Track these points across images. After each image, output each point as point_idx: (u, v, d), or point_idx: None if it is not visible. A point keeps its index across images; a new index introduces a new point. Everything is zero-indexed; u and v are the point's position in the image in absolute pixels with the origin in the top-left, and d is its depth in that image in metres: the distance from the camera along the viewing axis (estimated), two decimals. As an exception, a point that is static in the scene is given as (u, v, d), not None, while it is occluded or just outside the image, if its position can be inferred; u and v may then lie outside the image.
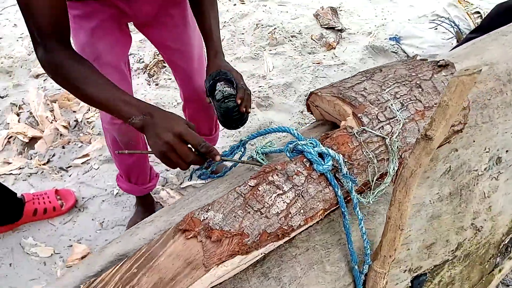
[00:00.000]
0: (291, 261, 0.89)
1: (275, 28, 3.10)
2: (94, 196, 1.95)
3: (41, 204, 1.83)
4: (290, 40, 3.01)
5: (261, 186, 0.79)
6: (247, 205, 0.77)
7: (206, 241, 0.74)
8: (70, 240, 1.77)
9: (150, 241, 0.78)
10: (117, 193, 1.94)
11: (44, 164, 2.13)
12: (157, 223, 0.87)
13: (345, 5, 3.41)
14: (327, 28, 3.13)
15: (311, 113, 1.18)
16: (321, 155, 0.84)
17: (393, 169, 0.93)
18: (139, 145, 1.53)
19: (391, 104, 0.97)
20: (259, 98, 2.47)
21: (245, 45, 2.99)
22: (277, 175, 0.81)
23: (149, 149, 0.93)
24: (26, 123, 2.31)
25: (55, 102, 2.43)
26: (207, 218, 0.75)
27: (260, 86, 2.58)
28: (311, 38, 3.03)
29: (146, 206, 1.78)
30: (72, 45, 0.98)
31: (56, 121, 2.33)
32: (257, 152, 0.99)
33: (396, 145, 0.93)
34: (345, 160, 0.87)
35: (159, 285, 0.70)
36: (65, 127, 2.31)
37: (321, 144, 0.87)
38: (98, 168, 2.09)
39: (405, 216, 0.86)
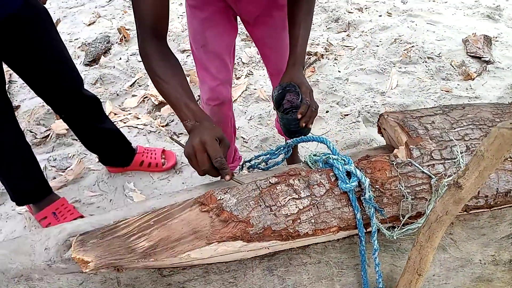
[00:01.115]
0: (300, 267, 0.91)
1: (412, 46, 2.95)
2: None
3: (148, 158, 2.13)
4: (425, 61, 2.83)
5: (279, 186, 0.83)
6: (260, 199, 0.82)
7: (215, 219, 0.82)
8: (160, 194, 2.03)
9: (177, 204, 0.89)
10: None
11: (163, 126, 2.46)
12: (193, 193, 0.98)
13: (504, 37, 3.03)
14: (472, 57, 2.84)
15: (382, 136, 1.15)
16: (350, 174, 0.83)
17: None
18: (227, 127, 1.67)
19: (455, 145, 0.90)
20: (368, 113, 2.40)
21: (375, 58, 2.91)
22: (298, 180, 0.84)
23: None
24: (160, 89, 2.68)
25: (188, 76, 2.75)
26: (222, 199, 0.83)
27: (374, 102, 2.50)
28: (450, 64, 2.80)
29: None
30: (182, 25, 1.11)
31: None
32: (309, 157, 1.02)
33: (444, 188, 0.86)
34: (377, 187, 0.84)
35: (165, 241, 0.80)
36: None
37: (356, 164, 0.86)
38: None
39: (425, 261, 0.81)
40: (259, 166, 1.06)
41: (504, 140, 0.62)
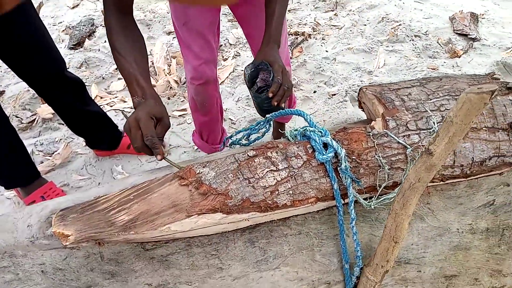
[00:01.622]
0: (281, 239, 0.93)
1: (400, 24, 2.94)
2: (178, 146, 2.19)
3: (136, 140, 2.13)
4: (412, 40, 2.83)
5: (257, 158, 0.84)
6: (238, 172, 0.83)
7: (194, 192, 0.83)
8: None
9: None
10: (196, 148, 2.15)
11: (150, 109, 2.45)
12: (174, 169, 0.99)
13: (491, 14, 3.04)
14: (459, 35, 2.85)
15: (363, 110, 1.16)
16: (326, 146, 0.84)
17: (409, 181, 0.88)
18: (212, 107, 1.67)
19: (430, 116, 0.91)
20: (355, 92, 2.41)
21: (363, 37, 2.91)
22: (276, 152, 0.85)
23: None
24: (147, 72, 2.66)
25: (174, 58, 2.73)
26: (201, 173, 0.84)
27: (361, 81, 2.51)
28: (437, 42, 2.80)
29: None
30: (168, 7, 1.10)
31: (170, 74, 2.64)
32: (289, 132, 1.03)
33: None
34: (353, 157, 0.86)
35: (145, 214, 0.82)
36: (176, 81, 2.60)
37: (333, 136, 0.87)
38: (190, 123, 2.32)
39: (400, 228, 0.83)
40: (240, 142, 1.06)
41: (472, 105, 0.63)
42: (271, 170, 0.83)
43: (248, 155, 0.85)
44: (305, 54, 2.81)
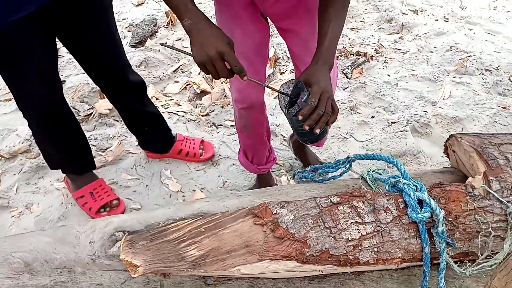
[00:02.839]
0: (351, 294, 0.85)
1: (469, 56, 2.78)
2: (227, 157, 2.14)
3: (187, 147, 2.10)
4: (482, 73, 2.67)
5: (341, 206, 0.77)
6: (319, 219, 0.76)
7: (269, 234, 0.77)
8: (195, 185, 2.01)
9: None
10: (246, 162, 2.10)
11: (203, 116, 2.43)
12: (243, 199, 0.93)
13: None
14: (534, 73, 2.66)
15: (448, 157, 1.06)
16: (421, 202, 0.76)
17: (510, 248, 0.78)
18: (257, 131, 1.61)
19: (539, 181, 0.81)
20: (417, 123, 2.29)
21: (428, 64, 2.77)
22: (363, 202, 0.78)
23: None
24: (203, 77, 2.64)
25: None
26: (278, 213, 0.78)
27: (424, 111, 2.38)
28: (509, 79, 2.63)
29: (264, 184, 1.88)
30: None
31: (226, 83, 2.61)
32: (368, 174, 0.96)
33: (524, 228, 0.78)
34: (450, 219, 0.77)
35: (215, 251, 0.76)
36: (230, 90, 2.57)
37: (428, 191, 0.78)
38: (242, 134, 2.28)
39: (497, 309, 0.73)
40: (313, 178, 0.99)
41: None
42: (356, 222, 0.76)
43: (331, 201, 0.78)
44: (365, 76, 2.71)
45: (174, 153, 2.10)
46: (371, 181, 0.93)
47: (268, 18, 1.41)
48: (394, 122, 2.33)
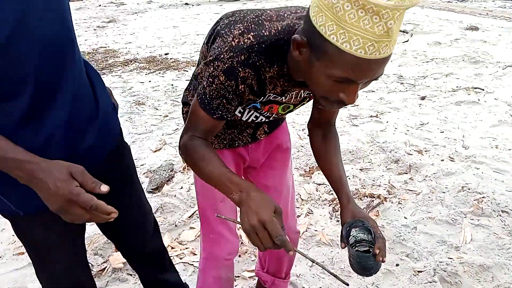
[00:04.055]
0: None
1: (483, 197, 2.81)
2: None
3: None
4: (500, 215, 2.65)
5: None
6: None
7: None
8: None
9: None
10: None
11: (219, 265, 2.35)
12: None
13: None
14: (552, 213, 2.64)
15: None
16: None
17: None
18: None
19: None
20: (445, 272, 2.18)
21: (443, 206, 2.78)
22: None
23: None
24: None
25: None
26: None
27: (449, 258, 2.30)
28: (528, 220, 2.60)
29: None
30: None
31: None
32: None
33: None
34: None
35: None
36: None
37: None
38: (261, 287, 2.15)
39: None
40: None
41: None
42: None
43: None
44: (382, 219, 2.69)
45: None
46: None
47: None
48: (421, 271, 2.23)
